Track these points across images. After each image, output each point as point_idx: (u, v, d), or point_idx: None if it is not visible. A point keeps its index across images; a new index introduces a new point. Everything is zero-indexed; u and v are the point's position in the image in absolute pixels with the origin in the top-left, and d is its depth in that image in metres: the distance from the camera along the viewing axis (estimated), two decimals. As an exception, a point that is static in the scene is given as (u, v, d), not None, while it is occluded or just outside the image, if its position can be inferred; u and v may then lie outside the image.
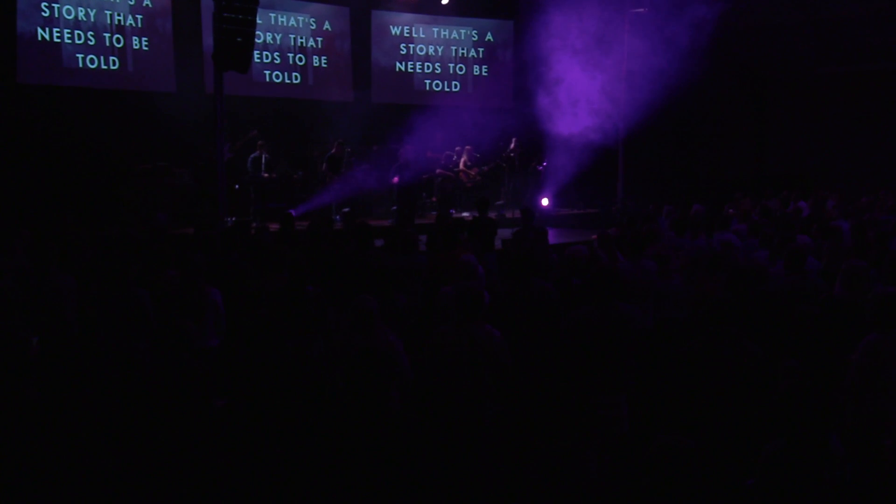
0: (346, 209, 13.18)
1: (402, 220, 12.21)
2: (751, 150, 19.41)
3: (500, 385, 4.50)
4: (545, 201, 14.95)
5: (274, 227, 9.80)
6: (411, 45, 17.06)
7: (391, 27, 16.84)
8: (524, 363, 5.08)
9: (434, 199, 14.51)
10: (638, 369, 4.80)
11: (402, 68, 17.00)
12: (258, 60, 14.85)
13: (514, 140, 15.43)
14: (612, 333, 4.65)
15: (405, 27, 16.96)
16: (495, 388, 4.48)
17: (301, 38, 15.73)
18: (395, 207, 13.41)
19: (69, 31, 13.22)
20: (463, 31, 17.59)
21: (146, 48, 14.00)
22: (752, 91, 18.98)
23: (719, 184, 17.04)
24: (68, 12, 13.19)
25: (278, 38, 15.45)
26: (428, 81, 17.32)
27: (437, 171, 14.05)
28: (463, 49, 17.64)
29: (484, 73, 17.91)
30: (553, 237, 11.89)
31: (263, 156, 13.21)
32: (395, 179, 12.83)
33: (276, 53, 15.44)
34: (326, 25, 16.04)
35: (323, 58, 16.01)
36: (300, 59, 15.73)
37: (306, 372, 5.30)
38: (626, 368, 4.70)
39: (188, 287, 5.74)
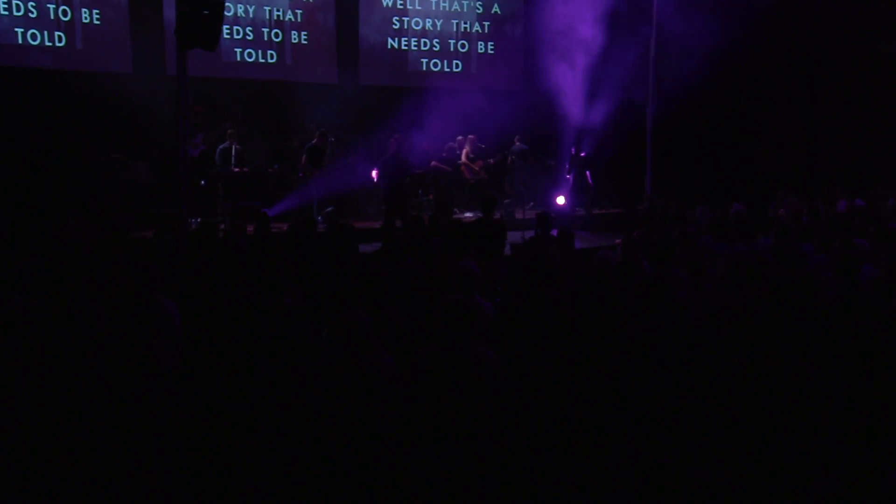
0: (330, 209, 13.25)
1: (388, 221, 12.26)
2: (800, 140, 19.43)
3: (494, 413, 4.50)
4: (561, 200, 14.98)
5: (249, 229, 9.84)
6: (405, 19, 17.13)
7: (382, -3, 16.93)
8: (531, 384, 5.11)
9: (431, 196, 14.56)
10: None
11: (395, 45, 17.06)
12: (227, 36, 14.92)
13: (516, 138, 15.47)
14: (681, 349, 4.71)
15: (398, -3, 17.05)
16: (489, 419, 4.48)
17: (278, 10, 15.80)
18: (384, 207, 13.45)
19: (5, 2, 13.27)
20: (465, 3, 17.66)
21: (97, 22, 14.07)
22: (802, 72, 19.01)
23: (763, 180, 17.05)
24: (6, -20, 13.26)
25: (251, 10, 15.52)
26: (425, 61, 17.38)
27: (433, 163, 14.13)
28: (465, 23, 17.71)
29: (490, 51, 17.97)
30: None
31: (234, 147, 13.25)
32: (374, 174, 12.87)
33: (248, 28, 15.51)
34: (307, -5, 16.13)
35: (303, 33, 16.06)
36: (276, 35, 15.79)
37: (283, 398, 5.31)
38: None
39: (138, 299, 5.76)
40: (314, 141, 13.58)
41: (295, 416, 4.88)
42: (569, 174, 14.69)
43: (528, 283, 5.54)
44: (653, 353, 4.77)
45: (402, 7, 17.06)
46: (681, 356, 4.76)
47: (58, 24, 13.71)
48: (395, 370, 4.58)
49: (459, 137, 15.24)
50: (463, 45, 17.72)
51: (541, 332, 5.39)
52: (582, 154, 14.72)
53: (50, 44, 13.67)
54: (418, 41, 17.28)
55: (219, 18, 10.31)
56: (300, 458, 4.49)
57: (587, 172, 14.61)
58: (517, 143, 15.65)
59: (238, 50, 15.43)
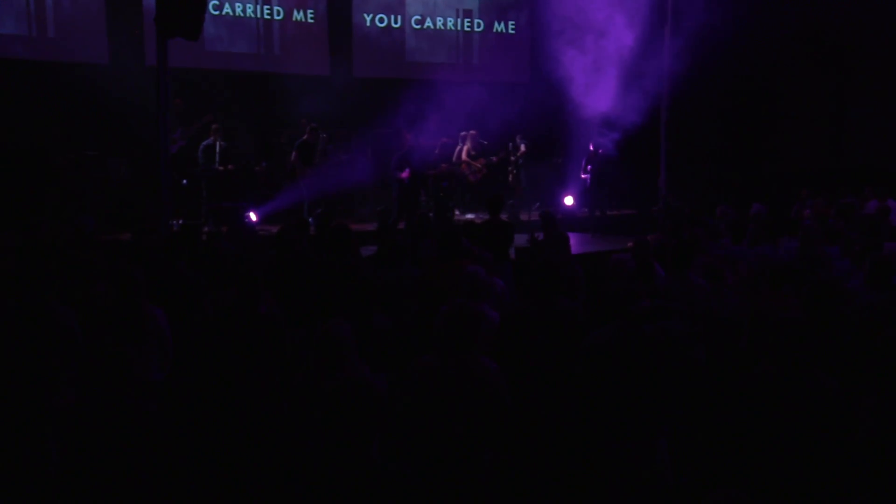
0: (319, 210, 13.24)
1: (395, 223, 12.25)
2: (827, 135, 19.41)
3: (496, 430, 4.51)
4: (569, 200, 14.98)
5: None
6: (402, 5, 17.14)
7: (377, -18, 16.93)
8: (539, 401, 5.11)
9: (423, 198, 14.54)
10: (686, 407, 4.84)
11: (392, 34, 17.07)
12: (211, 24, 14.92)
13: (518, 137, 15.45)
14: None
15: (395, -18, 17.05)
16: (490, 434, 4.49)
17: (265, -4, 15.83)
18: (380, 208, 13.43)
19: (-29, -12, 13.29)
20: (467, -12, 17.70)
21: (71, 9, 14.06)
22: (829, 61, 19.00)
23: (786, 179, 17.05)
24: (-31, -36, 13.26)
25: (237, -4, 15.54)
26: (423, 50, 17.39)
27: (443, 166, 14.08)
28: (467, 10, 17.72)
29: (493, 40, 17.97)
30: (579, 245, 11.92)
31: (218, 143, 13.25)
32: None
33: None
34: (297, -20, 16.13)
35: (292, 20, 16.07)
36: (263, 23, 15.79)
37: (259, 416, 5.32)
38: (666, 404, 4.73)
39: (123, 306, 5.76)
40: (304, 137, 13.57)
41: (273, 431, 4.90)
42: (585, 174, 14.61)
43: (537, 290, 5.53)
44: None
45: (398, -8, 17.08)
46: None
47: (28, 11, 13.71)
48: (380, 383, 4.60)
49: (463, 133, 15.20)
50: (464, 34, 17.73)
51: (548, 342, 5.39)
52: (600, 151, 14.63)
53: (19, 32, 13.66)
54: (416, 29, 17.28)
55: (201, 5, 10.34)
56: (280, 474, 4.50)
57: (605, 173, 14.55)
58: (519, 141, 15.62)
59: (223, 39, 15.42)
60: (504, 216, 11.62)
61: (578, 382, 4.93)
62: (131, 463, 4.07)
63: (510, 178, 15.60)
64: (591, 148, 14.63)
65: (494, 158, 15.29)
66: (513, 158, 15.49)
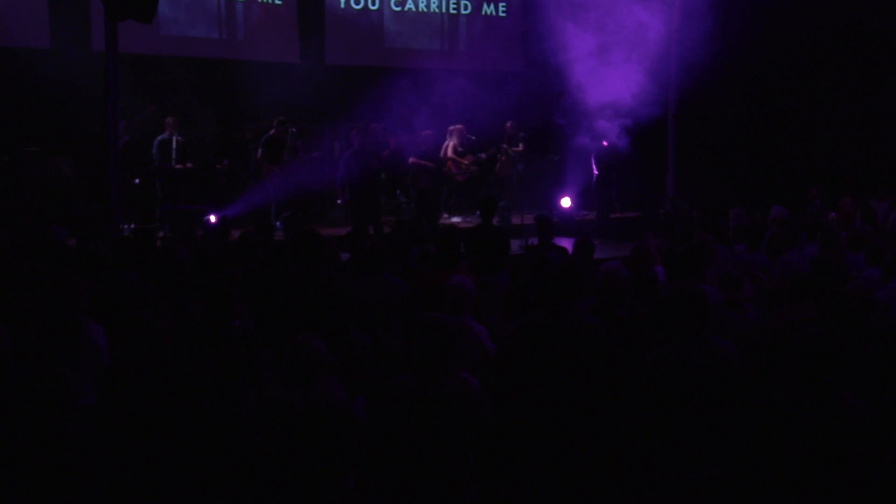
0: (287, 213, 13.19)
1: (357, 228, 12.20)
2: (853, 132, 19.46)
3: (479, 453, 4.49)
4: (566, 202, 14.95)
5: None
6: (381, -14, 17.15)
7: (353, -40, 16.93)
8: (557, 427, 5.08)
9: (404, 201, 14.52)
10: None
11: (369, 17, 17.05)
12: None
13: (510, 124, 15.42)
14: (708, 377, 4.70)
15: (372, -40, 17.06)
16: (474, 458, 4.47)
17: (227, -26, 15.80)
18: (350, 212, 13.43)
19: None
20: (452, -33, 17.71)
21: (8, -12, 14.00)
22: (854, 48, 19.08)
23: (808, 178, 17.09)
24: None
25: (195, -26, 15.50)
26: (404, 35, 17.38)
27: (411, 160, 14.07)
28: (453, -9, 17.75)
29: (481, 25, 17.99)
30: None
31: (175, 138, 13.21)
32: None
33: (192, -4, 15.49)
34: (262, -43, 16.11)
35: (257, 2, 16.03)
36: (225, 4, 15.75)
37: (232, 439, 5.27)
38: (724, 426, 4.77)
39: (59, 321, 5.70)
40: (271, 132, 13.55)
41: (241, 459, 4.85)
42: (597, 170, 14.58)
43: (557, 301, 5.42)
44: (678, 385, 4.74)
45: (376, -29, 17.09)
46: (715, 388, 4.74)
47: (-41, -8, 13.63)
48: (349, 407, 4.57)
49: (449, 127, 15.17)
50: (450, 18, 17.72)
51: (567, 358, 5.32)
52: (608, 144, 14.59)
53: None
54: (396, 12, 17.26)
55: (156, -16, 10.30)
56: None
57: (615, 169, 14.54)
58: (517, 134, 15.58)
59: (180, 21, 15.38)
60: (494, 220, 11.61)
61: (644, 400, 4.92)
62: (66, 495, 4.02)
63: (500, 170, 15.46)
64: (606, 144, 14.56)
65: (483, 155, 15.23)
66: (504, 146, 15.40)
